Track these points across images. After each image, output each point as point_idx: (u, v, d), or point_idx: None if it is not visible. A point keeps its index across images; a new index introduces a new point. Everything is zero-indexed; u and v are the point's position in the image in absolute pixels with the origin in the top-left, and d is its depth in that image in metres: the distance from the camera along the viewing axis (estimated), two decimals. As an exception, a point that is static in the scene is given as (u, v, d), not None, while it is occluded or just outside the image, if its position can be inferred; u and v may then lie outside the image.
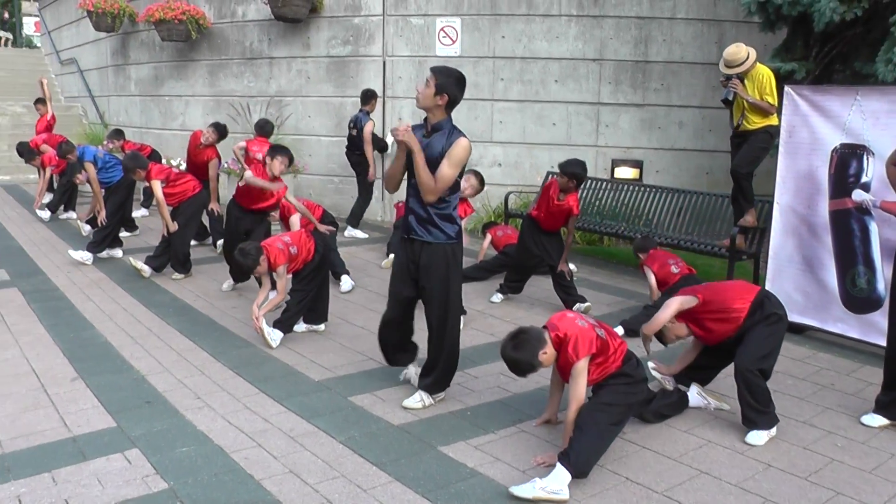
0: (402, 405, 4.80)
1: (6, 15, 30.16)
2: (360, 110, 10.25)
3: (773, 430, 4.48)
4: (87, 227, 9.69)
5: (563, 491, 3.72)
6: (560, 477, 3.76)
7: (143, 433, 4.35)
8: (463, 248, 4.79)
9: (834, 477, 4.04)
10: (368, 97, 10.28)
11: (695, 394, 4.87)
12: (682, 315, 4.63)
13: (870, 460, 4.24)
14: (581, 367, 4.03)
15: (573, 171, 6.66)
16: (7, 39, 28.20)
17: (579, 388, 4.04)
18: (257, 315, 5.89)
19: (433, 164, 4.47)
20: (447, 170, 4.45)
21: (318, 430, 4.45)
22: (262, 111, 11.92)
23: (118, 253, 8.86)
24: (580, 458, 3.82)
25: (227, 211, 7.48)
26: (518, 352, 4.02)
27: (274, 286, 6.05)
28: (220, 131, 9.23)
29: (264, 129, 9.82)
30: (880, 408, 4.73)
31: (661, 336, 4.74)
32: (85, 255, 8.43)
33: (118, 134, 11.21)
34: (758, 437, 4.42)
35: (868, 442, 4.47)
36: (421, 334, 5.03)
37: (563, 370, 4.16)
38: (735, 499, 3.79)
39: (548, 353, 4.04)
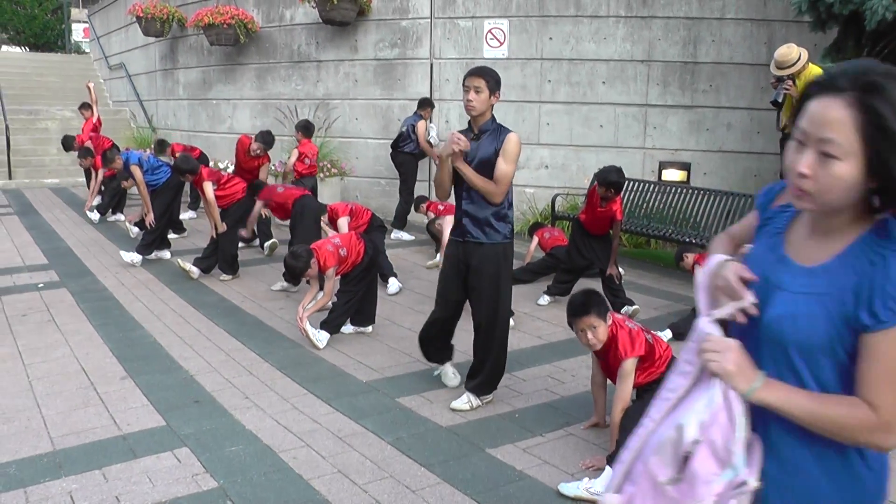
0: (449, 407, 4.78)
1: None
2: (415, 113, 10.30)
3: None
4: (136, 230, 9.81)
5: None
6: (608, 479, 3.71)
7: (193, 432, 4.38)
8: (513, 250, 4.76)
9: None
10: (424, 104, 10.34)
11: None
12: None
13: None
14: (629, 368, 3.99)
15: (608, 181, 6.61)
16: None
17: (626, 388, 4.00)
18: (301, 316, 5.92)
19: (488, 164, 4.47)
20: (505, 167, 4.48)
21: (367, 431, 4.44)
22: (309, 114, 11.99)
23: (166, 254, 8.95)
24: None
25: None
26: (592, 296, 4.08)
27: (322, 288, 6.07)
28: (268, 142, 9.32)
29: (308, 129, 9.86)
30: None
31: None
32: (134, 257, 8.53)
33: (162, 146, 11.35)
34: None
35: None
36: (464, 335, 5.00)
37: (611, 368, 4.11)
38: None
39: (600, 329, 4.02)
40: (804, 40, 9.07)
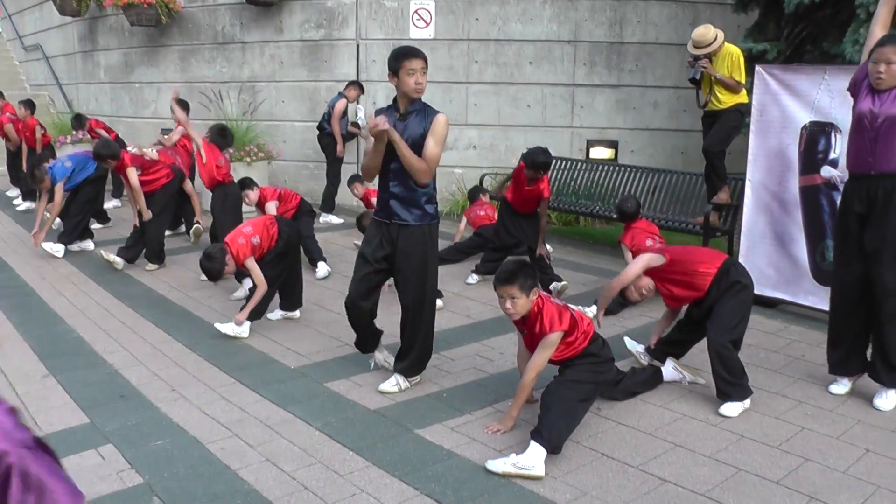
0: (378, 389, 4.79)
1: None
2: (339, 94, 10.20)
3: (747, 402, 4.55)
4: (57, 220, 9.55)
5: (536, 467, 3.75)
6: (534, 453, 3.79)
7: (118, 428, 4.31)
8: (439, 230, 4.79)
9: (804, 444, 4.14)
10: (350, 85, 10.24)
11: (670, 368, 4.94)
12: (650, 274, 4.76)
13: (837, 427, 4.35)
14: (553, 340, 4.08)
15: (536, 162, 6.70)
16: None
17: (543, 358, 4.10)
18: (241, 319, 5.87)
19: (416, 145, 4.47)
20: (434, 147, 4.48)
21: (295, 418, 4.44)
22: (235, 97, 11.81)
23: (90, 245, 8.76)
24: (552, 433, 3.86)
25: None
26: (523, 267, 4.10)
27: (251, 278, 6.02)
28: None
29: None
30: (837, 367, 4.83)
31: (624, 294, 4.88)
32: (56, 247, 8.33)
33: (79, 120, 11.06)
34: (731, 408, 4.49)
35: (836, 409, 4.59)
36: (393, 318, 5.02)
37: (534, 343, 4.18)
38: (709, 469, 3.86)
39: (529, 298, 4.06)
40: (727, 21, 9.28)
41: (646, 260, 4.76)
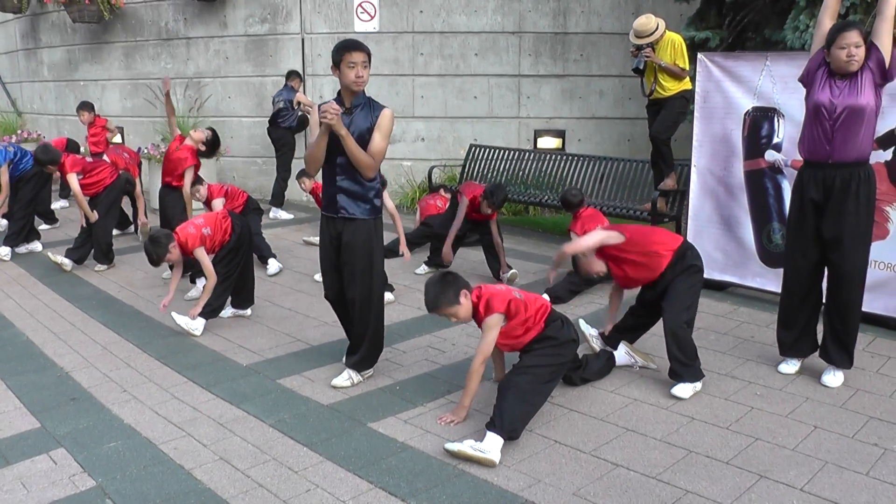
0: (330, 384, 4.82)
1: None
2: (285, 86, 10.20)
3: (699, 385, 4.66)
4: (3, 221, 9.41)
5: (492, 452, 3.81)
6: (492, 441, 3.86)
7: (69, 431, 4.29)
8: (383, 222, 4.83)
9: (753, 424, 4.24)
10: (293, 75, 10.30)
11: (623, 353, 5.03)
12: (604, 255, 4.80)
13: (786, 405, 4.46)
14: (491, 323, 4.15)
15: (499, 201, 6.90)
16: None
17: (486, 342, 4.18)
18: (164, 306, 5.89)
19: (363, 139, 4.50)
20: (381, 142, 4.53)
21: (248, 415, 4.45)
22: (181, 93, 11.69)
23: (37, 247, 8.65)
24: (506, 420, 3.92)
25: None
26: (441, 286, 4.16)
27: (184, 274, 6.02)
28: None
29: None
30: (788, 350, 4.96)
31: (576, 266, 5.00)
32: (3, 250, 8.21)
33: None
34: (683, 390, 4.59)
35: (785, 388, 4.70)
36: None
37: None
38: (660, 453, 3.93)
39: (464, 304, 4.15)
40: (669, 10, 9.44)
41: (604, 235, 4.79)
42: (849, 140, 4.46)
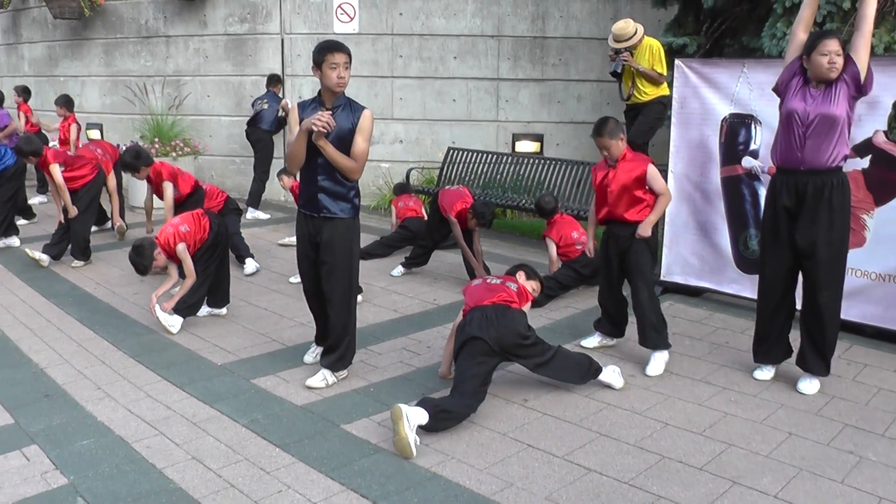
0: (305, 385, 4.85)
1: None
2: (268, 91, 10.23)
3: (666, 355, 5.10)
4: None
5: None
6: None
7: (42, 428, 4.30)
8: (360, 223, 4.88)
9: (727, 430, 4.27)
10: (275, 80, 10.33)
11: (611, 372, 4.90)
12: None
13: (761, 412, 4.50)
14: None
15: (486, 219, 7.00)
16: None
17: None
18: (153, 305, 5.86)
19: (344, 140, 4.54)
20: (363, 144, 4.59)
21: (221, 415, 4.47)
22: (160, 91, 11.67)
23: (15, 242, 8.62)
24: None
25: None
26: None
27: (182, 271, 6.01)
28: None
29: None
30: (763, 357, 5.01)
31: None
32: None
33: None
34: (657, 365, 5.07)
35: (760, 395, 4.74)
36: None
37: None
38: (633, 458, 3.96)
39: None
40: (647, 16, 9.52)
41: (668, 200, 5.35)
42: (821, 147, 4.51)
